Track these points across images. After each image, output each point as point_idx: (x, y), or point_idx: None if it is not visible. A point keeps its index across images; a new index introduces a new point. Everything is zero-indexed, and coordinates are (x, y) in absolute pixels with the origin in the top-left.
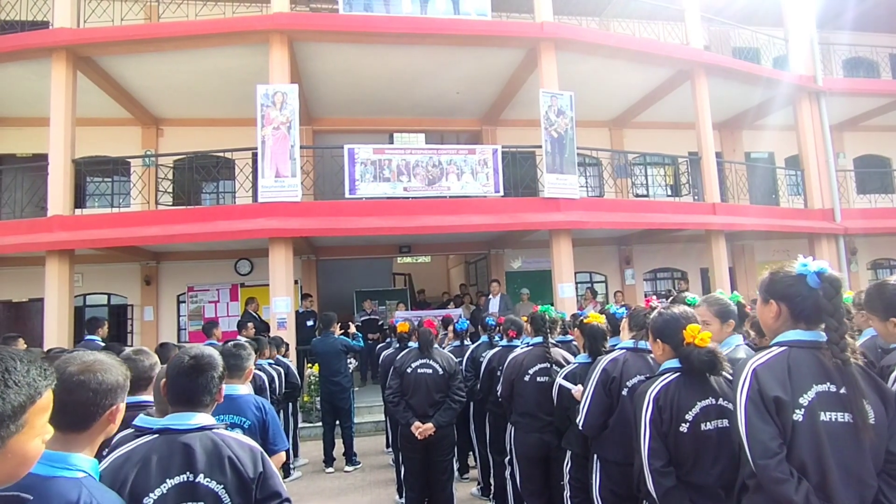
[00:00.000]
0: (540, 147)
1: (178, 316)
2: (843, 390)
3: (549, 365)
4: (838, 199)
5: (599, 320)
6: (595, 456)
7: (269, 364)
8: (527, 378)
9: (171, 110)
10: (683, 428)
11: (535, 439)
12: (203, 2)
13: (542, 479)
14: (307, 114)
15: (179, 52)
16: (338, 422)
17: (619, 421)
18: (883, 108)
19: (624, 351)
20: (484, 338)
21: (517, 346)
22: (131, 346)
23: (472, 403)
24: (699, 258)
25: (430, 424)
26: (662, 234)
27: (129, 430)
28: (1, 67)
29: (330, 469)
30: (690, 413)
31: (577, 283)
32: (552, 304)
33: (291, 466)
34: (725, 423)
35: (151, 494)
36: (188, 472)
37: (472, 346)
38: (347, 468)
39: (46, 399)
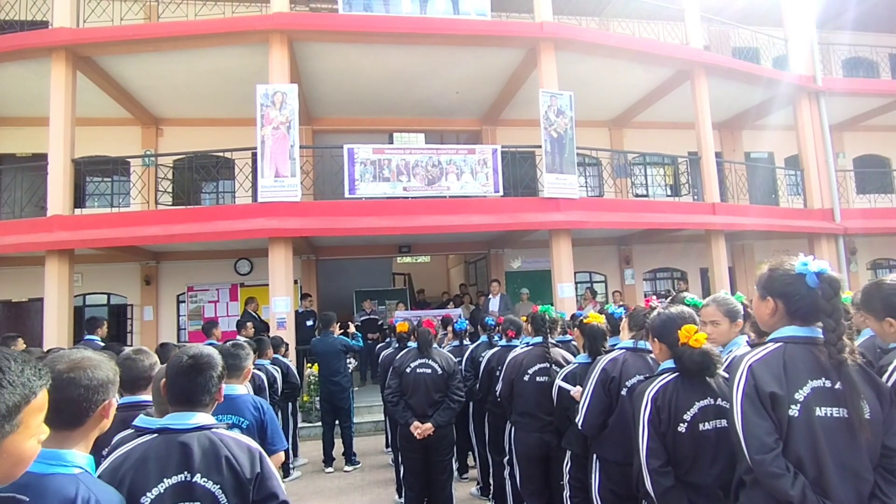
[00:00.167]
0: (539, 147)
1: (178, 316)
2: (837, 385)
3: (548, 365)
4: (838, 199)
5: (599, 320)
6: (594, 456)
7: (269, 364)
8: (526, 378)
9: (170, 110)
10: (682, 428)
11: (535, 439)
12: (203, 2)
13: (542, 479)
14: (307, 114)
15: (179, 52)
16: (337, 422)
17: (618, 421)
18: (882, 108)
19: (623, 351)
20: (483, 338)
21: (516, 346)
22: (131, 345)
23: (471, 403)
24: (699, 258)
25: (429, 424)
26: (662, 233)
27: (130, 431)
28: (1, 67)
29: (329, 469)
30: (689, 413)
31: (576, 282)
32: (552, 304)
33: (291, 466)
34: (724, 423)
35: (149, 493)
36: (185, 472)
37: (472, 346)
38: (347, 468)
39: (42, 399)
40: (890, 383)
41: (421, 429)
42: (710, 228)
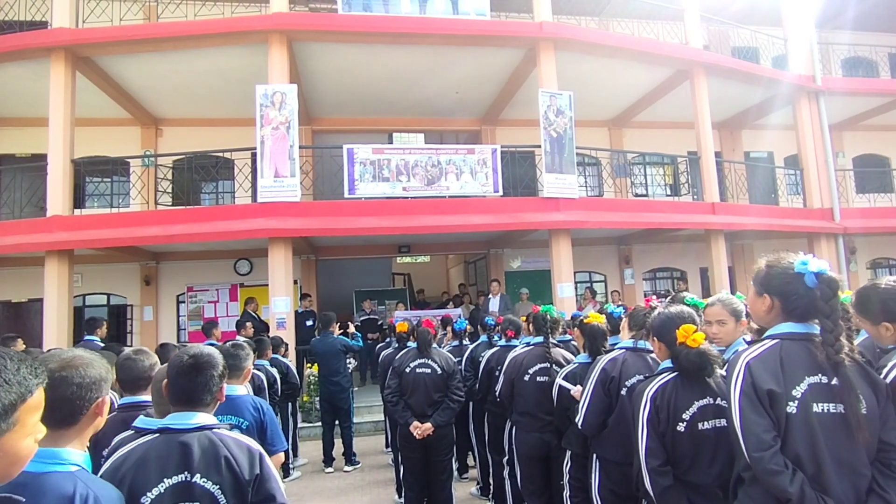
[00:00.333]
0: (539, 147)
1: (178, 316)
2: (834, 381)
3: (549, 365)
4: (837, 198)
5: (599, 320)
6: (594, 455)
7: (268, 364)
8: (527, 378)
9: (170, 110)
10: (681, 427)
11: (535, 439)
12: (202, 2)
13: (543, 479)
14: (306, 114)
15: (178, 52)
16: (337, 422)
17: (618, 421)
18: (882, 107)
19: (623, 351)
20: (483, 337)
21: (516, 346)
22: (131, 346)
23: (471, 403)
24: (698, 258)
25: (428, 424)
26: (662, 233)
27: (130, 432)
28: (0, 67)
29: (329, 469)
30: (688, 412)
31: (576, 282)
32: (552, 304)
33: (291, 466)
34: (723, 422)
35: (149, 493)
36: (185, 472)
37: (472, 346)
38: (347, 468)
39: (38, 398)
40: (888, 381)
41: (420, 429)
42: (709, 228)
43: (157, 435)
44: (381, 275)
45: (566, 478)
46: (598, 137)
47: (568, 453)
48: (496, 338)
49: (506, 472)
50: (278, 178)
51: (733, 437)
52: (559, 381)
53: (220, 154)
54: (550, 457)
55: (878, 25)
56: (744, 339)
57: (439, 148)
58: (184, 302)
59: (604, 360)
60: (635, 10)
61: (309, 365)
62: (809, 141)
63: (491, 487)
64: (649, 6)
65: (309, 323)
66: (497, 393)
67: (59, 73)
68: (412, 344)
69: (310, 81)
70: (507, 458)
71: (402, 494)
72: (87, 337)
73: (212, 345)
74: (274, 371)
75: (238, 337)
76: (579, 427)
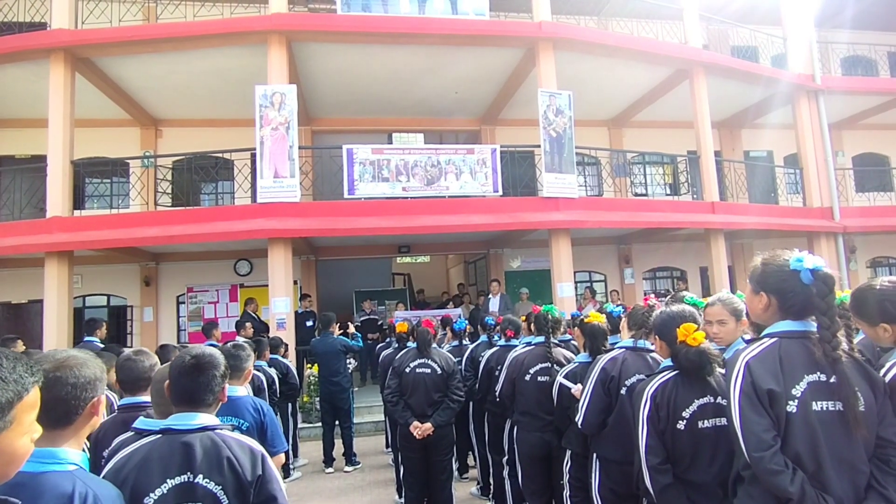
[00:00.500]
0: (539, 146)
1: (178, 317)
2: (833, 379)
3: (550, 364)
4: (837, 197)
5: (600, 319)
6: (594, 455)
7: (266, 365)
8: (528, 377)
9: (169, 111)
10: (680, 425)
11: (536, 438)
12: (201, 2)
13: (544, 478)
14: (306, 114)
15: (178, 53)
16: (337, 422)
17: (618, 420)
18: (881, 106)
19: (623, 350)
20: (483, 337)
21: (516, 346)
22: (131, 347)
23: (471, 403)
24: (698, 257)
25: (428, 424)
26: (661, 233)
27: (130, 434)
28: None
29: (330, 469)
30: (688, 411)
31: (576, 282)
32: (552, 304)
33: (291, 467)
34: (723, 421)
35: (152, 494)
36: (188, 472)
37: (472, 346)
38: (347, 468)
39: (34, 396)
40: (888, 378)
41: (420, 429)
42: (709, 227)
43: (160, 436)
44: (380, 275)
45: (566, 477)
46: (598, 137)
47: (568, 453)
48: (496, 338)
49: (506, 472)
50: (278, 179)
51: (733, 437)
52: (559, 379)
53: (220, 155)
54: (551, 456)
55: (878, 24)
56: (742, 338)
57: (439, 148)
58: (184, 303)
59: (603, 359)
60: (634, 9)
61: (309, 365)
62: (809, 140)
63: (491, 487)
64: (648, 6)
65: (309, 323)
66: (497, 392)
67: (59, 75)
68: (412, 344)
69: (309, 82)
70: (506, 457)
71: (403, 494)
72: (87, 338)
73: (212, 345)
74: (272, 372)
75: (238, 337)
76: (579, 426)
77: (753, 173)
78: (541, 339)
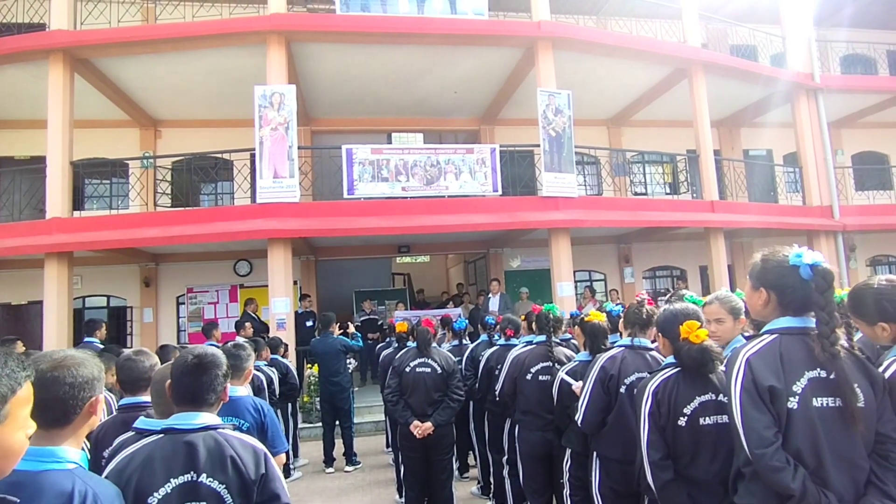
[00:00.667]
0: (538, 146)
1: (178, 317)
2: (832, 376)
3: (551, 364)
4: (836, 195)
5: (600, 318)
6: (594, 453)
7: (265, 365)
8: (529, 377)
9: (168, 112)
10: (681, 422)
11: (538, 437)
12: (200, 3)
13: (545, 477)
14: (305, 114)
15: (177, 54)
16: (338, 422)
17: (617, 419)
18: (881, 104)
19: (622, 349)
20: (483, 337)
21: (515, 346)
22: (131, 347)
23: (471, 402)
24: (698, 256)
25: (428, 423)
26: (661, 232)
27: (131, 433)
28: None
29: (330, 469)
30: (689, 407)
31: (576, 281)
32: (552, 303)
33: (291, 467)
34: (724, 418)
35: (156, 494)
36: (191, 472)
37: (472, 346)
38: (347, 468)
39: (27, 390)
40: (887, 375)
41: (421, 428)
42: (709, 226)
43: (162, 435)
44: (380, 275)
45: (566, 476)
46: (597, 136)
47: (568, 451)
48: (496, 337)
49: (506, 472)
50: (277, 179)
51: (734, 433)
52: (561, 374)
53: (219, 155)
54: (553, 455)
55: (877, 23)
56: (742, 335)
57: (438, 148)
58: (183, 303)
59: (603, 358)
60: (633, 8)
61: (309, 365)
62: (808, 138)
63: (491, 486)
64: (647, 5)
65: (309, 323)
66: (497, 392)
67: (58, 75)
68: (412, 344)
69: (308, 82)
70: (506, 457)
71: (403, 494)
72: (87, 339)
73: (212, 345)
74: (270, 372)
75: (238, 338)
76: (579, 425)
77: (753, 172)
78: (542, 338)
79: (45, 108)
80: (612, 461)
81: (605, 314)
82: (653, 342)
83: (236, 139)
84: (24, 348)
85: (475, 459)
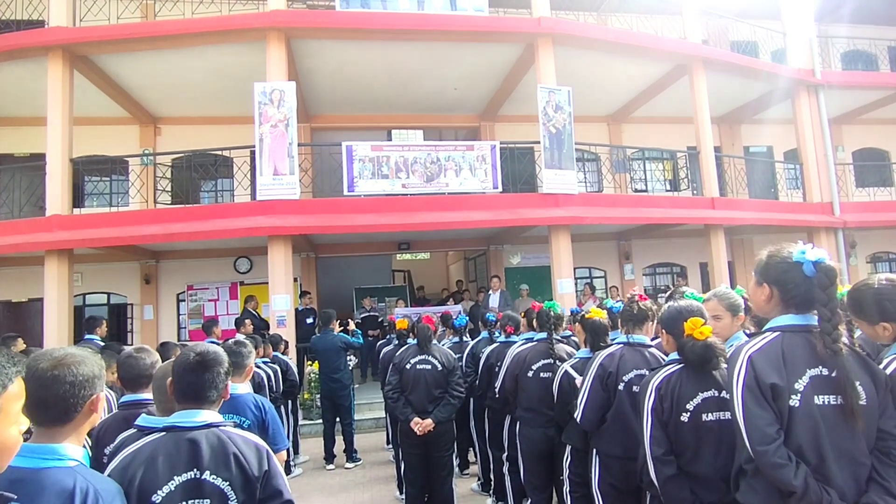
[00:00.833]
0: (538, 143)
1: (178, 314)
2: (834, 373)
3: (552, 361)
4: (837, 192)
5: (601, 315)
6: (594, 450)
7: (265, 362)
8: (530, 374)
9: (168, 109)
10: (684, 417)
11: (539, 434)
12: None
13: (546, 474)
14: (305, 111)
15: (176, 51)
16: (338, 419)
17: (616, 416)
18: (881, 101)
19: (620, 346)
20: (484, 333)
21: (515, 342)
22: (131, 345)
23: (471, 399)
24: (698, 252)
25: (429, 420)
26: (661, 228)
27: (133, 431)
28: None
29: (331, 466)
30: (692, 403)
31: (576, 278)
32: (552, 300)
33: (292, 464)
34: (727, 415)
35: (159, 492)
36: (195, 469)
37: (472, 342)
38: (348, 465)
39: (18, 385)
40: (889, 372)
41: (421, 425)
42: (709, 223)
43: (164, 433)
44: (380, 272)
45: (566, 472)
46: (598, 133)
47: (568, 448)
48: (496, 334)
49: (506, 468)
50: (277, 176)
51: (736, 430)
52: (566, 367)
53: (219, 152)
54: (554, 452)
55: (877, 19)
56: (745, 332)
57: (438, 144)
58: (184, 300)
59: (601, 355)
60: (633, 5)
61: (309, 362)
62: (809, 135)
63: (492, 483)
64: (648, 1)
65: (309, 320)
66: (497, 388)
67: (57, 73)
68: (412, 341)
69: (308, 79)
70: (506, 453)
71: (404, 491)
72: (88, 336)
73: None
74: (268, 369)
75: (238, 335)
76: (578, 422)
77: (753, 169)
78: (543, 335)
79: (45, 106)
80: (611, 458)
81: (605, 311)
82: (653, 339)
83: (236, 136)
84: (24, 346)
85: (475, 456)
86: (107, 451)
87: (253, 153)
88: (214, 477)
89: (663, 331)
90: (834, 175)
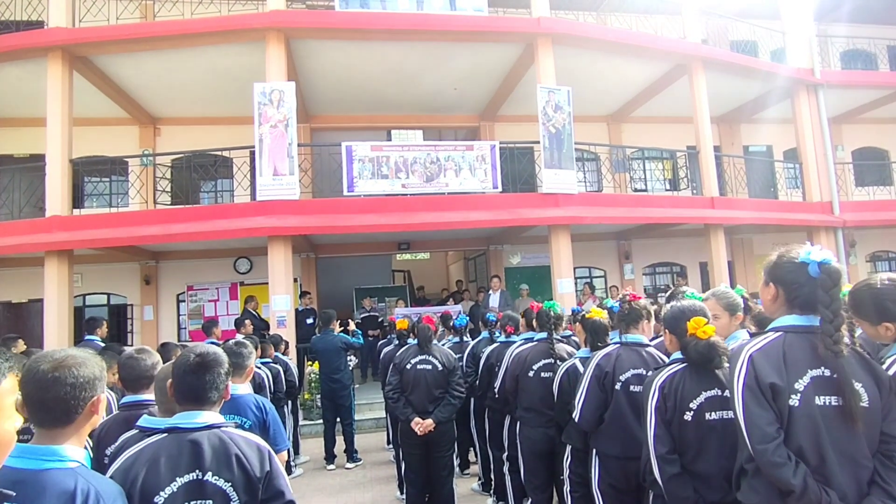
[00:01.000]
0: (538, 142)
1: (178, 315)
2: (836, 375)
3: (553, 360)
4: (837, 191)
5: (601, 315)
6: (594, 450)
7: (266, 363)
8: (531, 374)
9: (168, 109)
10: (687, 416)
11: (540, 434)
12: (199, 0)
13: (546, 473)
14: (304, 111)
15: (176, 51)
16: (338, 419)
17: (614, 416)
18: (881, 100)
19: (617, 346)
20: (484, 333)
21: (515, 342)
22: (131, 345)
23: (472, 399)
24: (698, 252)
25: (429, 420)
26: (661, 228)
27: (134, 432)
28: None
29: (331, 466)
30: (695, 402)
31: (576, 278)
32: (552, 300)
33: (293, 464)
34: (730, 414)
35: (162, 493)
36: (196, 470)
37: (473, 342)
38: (348, 465)
39: (11, 382)
40: (891, 373)
41: (422, 425)
42: (709, 222)
43: (166, 434)
44: (380, 272)
45: (566, 472)
46: (597, 133)
47: (568, 448)
48: (497, 334)
49: (506, 468)
50: (277, 177)
51: (737, 429)
52: (574, 360)
53: (219, 153)
54: (554, 452)
55: (877, 18)
56: (747, 331)
57: (438, 144)
58: (184, 301)
59: (598, 355)
60: (633, 4)
61: (310, 363)
62: (808, 134)
63: (492, 483)
64: (647, 1)
65: (309, 321)
66: (496, 388)
67: (57, 73)
68: (413, 341)
69: (308, 79)
70: (506, 453)
71: (404, 491)
72: (88, 337)
73: (213, 343)
74: (268, 370)
75: (238, 335)
76: (576, 422)
77: (753, 168)
78: (543, 335)
79: (45, 106)
80: (610, 458)
81: (605, 311)
82: (654, 338)
83: (236, 136)
84: (25, 347)
85: (476, 456)
86: (108, 452)
87: (252, 153)
88: (216, 478)
89: (666, 330)
90: (833, 174)
